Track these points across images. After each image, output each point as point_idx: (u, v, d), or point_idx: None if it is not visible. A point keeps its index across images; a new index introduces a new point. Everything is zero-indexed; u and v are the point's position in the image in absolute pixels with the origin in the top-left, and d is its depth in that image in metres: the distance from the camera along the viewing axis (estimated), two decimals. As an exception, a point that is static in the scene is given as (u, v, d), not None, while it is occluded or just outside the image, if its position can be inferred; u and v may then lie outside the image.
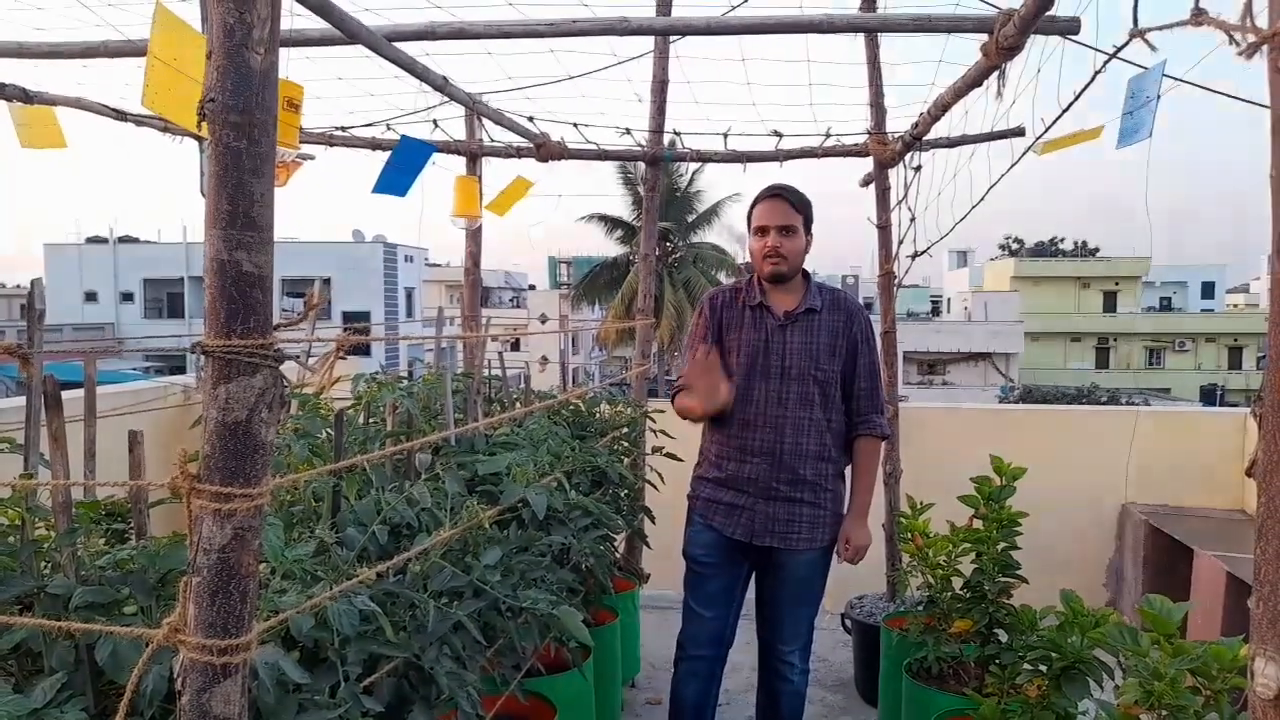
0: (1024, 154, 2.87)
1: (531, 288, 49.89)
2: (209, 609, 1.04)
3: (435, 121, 3.79)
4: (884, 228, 3.88)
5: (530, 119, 3.87)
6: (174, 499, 1.81)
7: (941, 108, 3.07)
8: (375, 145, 3.96)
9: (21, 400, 1.78)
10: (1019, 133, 3.24)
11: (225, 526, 1.05)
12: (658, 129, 4.07)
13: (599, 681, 3.06)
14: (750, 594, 2.87)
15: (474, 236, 4.21)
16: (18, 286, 38.77)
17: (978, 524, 2.89)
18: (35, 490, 1.38)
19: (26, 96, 2.72)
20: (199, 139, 2.93)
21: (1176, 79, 2.21)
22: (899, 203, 3.77)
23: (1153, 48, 1.90)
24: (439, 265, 44.85)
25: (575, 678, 2.77)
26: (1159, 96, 2.02)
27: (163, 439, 4.07)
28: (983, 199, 2.95)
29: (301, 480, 1.79)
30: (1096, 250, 55.79)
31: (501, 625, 1.97)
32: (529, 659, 2.31)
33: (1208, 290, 49.95)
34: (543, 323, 4.26)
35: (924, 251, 3.63)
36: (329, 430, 2.26)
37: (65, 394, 1.40)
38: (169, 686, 1.18)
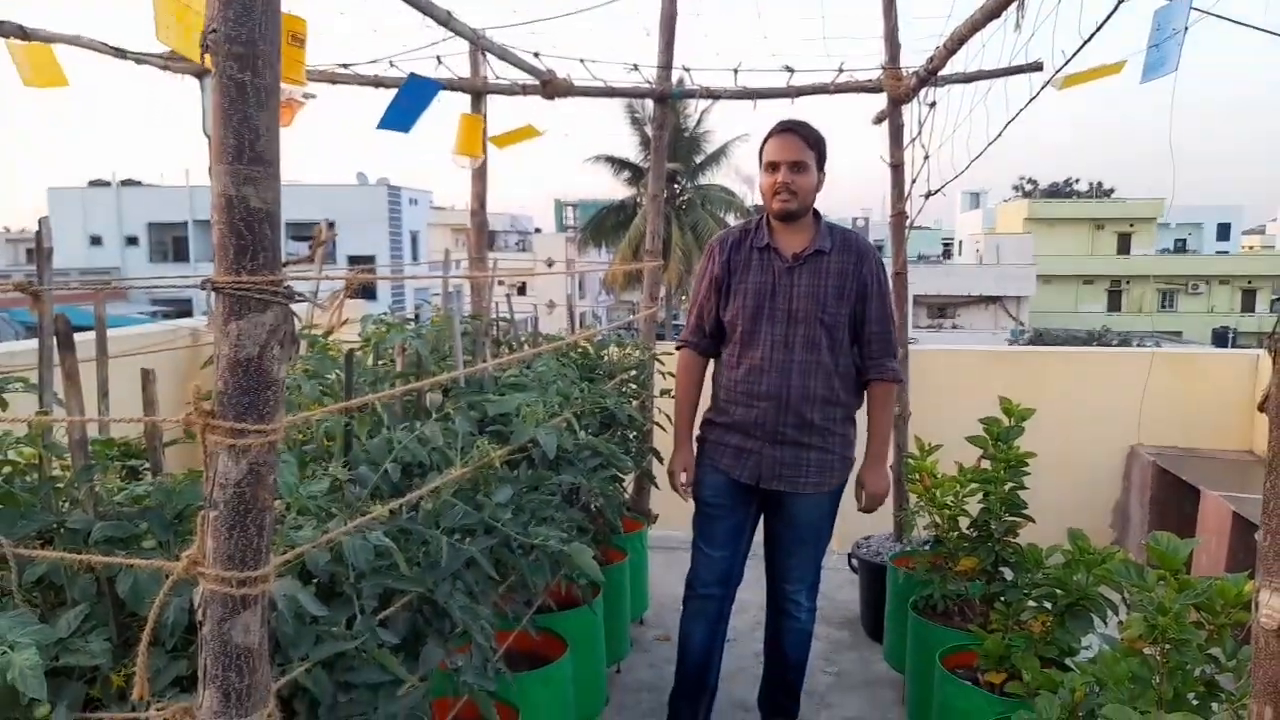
0: (1042, 89, 2.81)
1: (537, 231, 49.58)
2: (227, 542, 1.06)
3: (439, 58, 3.72)
4: (897, 167, 3.83)
5: (536, 55, 3.81)
6: (188, 439, 1.83)
7: (958, 41, 3.01)
8: (378, 83, 3.90)
9: (33, 343, 1.78)
10: (1037, 67, 3.17)
11: (240, 462, 1.06)
12: (666, 65, 4.00)
13: (608, 618, 3.12)
14: (759, 534, 2.90)
15: (480, 177, 4.16)
16: (22, 231, 38.71)
17: (985, 465, 2.90)
18: (51, 428, 1.39)
19: (24, 33, 2.68)
20: (201, 75, 2.90)
21: (1204, 11, 2.15)
22: (912, 141, 3.71)
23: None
24: (444, 209, 44.54)
25: (586, 614, 2.81)
26: (1186, 29, 1.96)
27: (173, 381, 4.10)
28: (1000, 135, 2.90)
29: (314, 418, 1.80)
30: (1112, 191, 55.03)
31: (513, 562, 1.99)
32: (540, 595, 2.34)
33: (1223, 232, 49.35)
34: (549, 266, 4.24)
35: (938, 191, 3.58)
36: (339, 371, 2.27)
37: (75, 336, 1.40)
38: (189, 618, 1.20)
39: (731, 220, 27.14)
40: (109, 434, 1.64)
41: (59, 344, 1.33)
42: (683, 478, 2.85)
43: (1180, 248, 47.39)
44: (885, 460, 2.78)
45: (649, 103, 4.38)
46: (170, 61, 3.12)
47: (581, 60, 3.87)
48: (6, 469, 1.42)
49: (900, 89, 3.70)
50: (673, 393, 3.55)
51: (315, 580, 1.42)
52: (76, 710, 1.19)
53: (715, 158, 29.00)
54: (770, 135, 2.67)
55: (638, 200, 27.75)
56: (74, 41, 2.82)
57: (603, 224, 29.52)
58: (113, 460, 1.54)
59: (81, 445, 1.35)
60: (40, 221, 1.34)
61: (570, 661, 2.55)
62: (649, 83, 4.04)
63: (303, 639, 1.33)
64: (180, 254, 36.08)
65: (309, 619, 1.35)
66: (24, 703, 1.14)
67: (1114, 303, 42.34)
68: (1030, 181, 59.87)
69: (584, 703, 2.80)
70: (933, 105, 3.62)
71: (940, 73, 3.44)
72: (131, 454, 1.76)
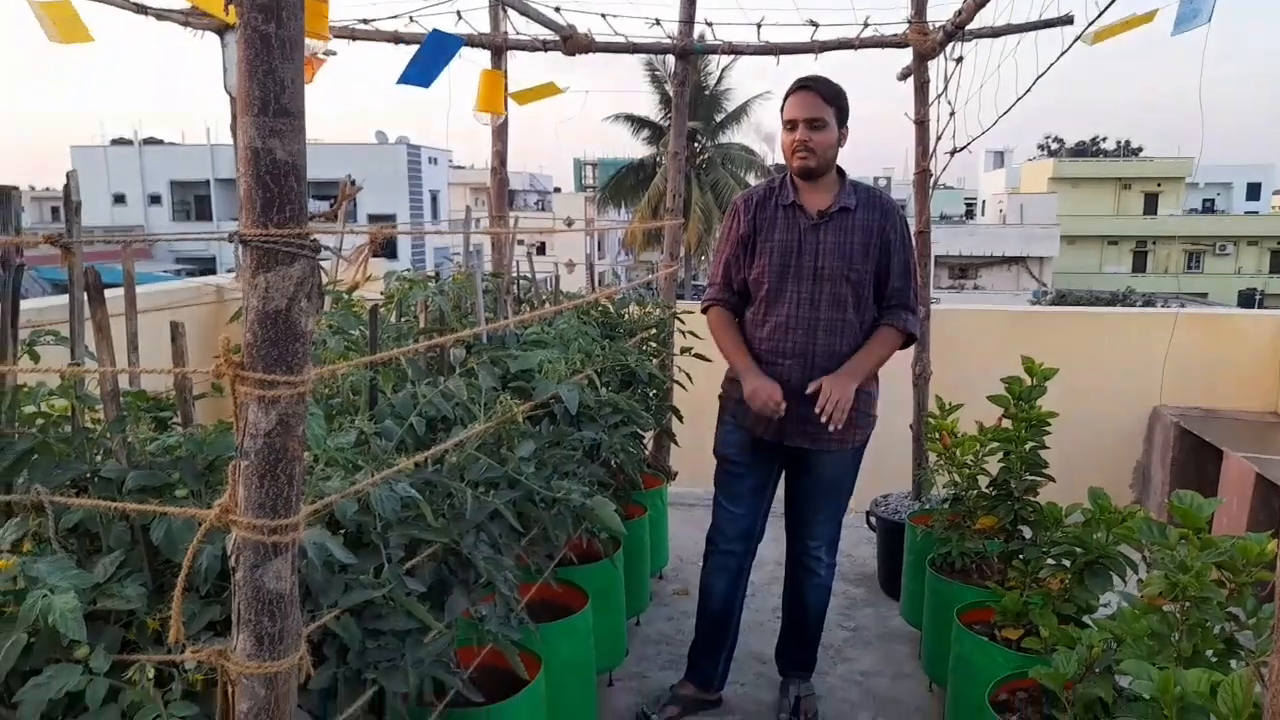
0: (1074, 42, 2.75)
1: (557, 190, 49.37)
2: (258, 490, 1.08)
3: (459, 13, 3.69)
4: (921, 123, 3.77)
5: (557, 9, 3.76)
6: (215, 393, 1.86)
7: (987, -7, 2.94)
8: (398, 39, 3.87)
9: (62, 299, 1.81)
10: (1068, 21, 3.10)
11: (270, 412, 1.07)
12: (688, 20, 3.94)
13: (629, 572, 3.16)
14: (780, 491, 2.92)
15: (500, 135, 4.14)
16: (46, 189, 38.95)
17: (1006, 424, 2.89)
18: (83, 380, 1.42)
19: (47, -12, 2.68)
20: (222, 32, 2.89)
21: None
22: (938, 97, 3.65)
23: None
24: (463, 168, 44.38)
25: (607, 567, 2.85)
26: (1222, -24, 1.91)
27: (199, 336, 4.14)
28: (1029, 90, 2.85)
29: (340, 372, 1.82)
30: (1140, 150, 53.99)
31: (535, 515, 2.02)
32: (562, 549, 2.38)
33: (1253, 191, 48.31)
34: (569, 225, 4.23)
35: (964, 148, 3.53)
36: (363, 328, 2.29)
37: (105, 292, 1.42)
38: (222, 565, 1.23)
39: (752, 180, 26.90)
40: (139, 386, 1.67)
41: (89, 297, 1.35)
42: (777, 395, 2.59)
43: (1208, 208, 46.51)
44: (854, 379, 2.59)
45: (670, 60, 4.32)
46: (191, 17, 3.11)
47: (603, 15, 3.83)
48: (41, 420, 1.45)
49: (926, 44, 3.63)
50: (698, 353, 3.55)
51: (343, 530, 1.44)
52: (114, 652, 1.23)
53: (736, 116, 28.66)
54: (789, 93, 2.64)
55: (657, 159, 27.52)
56: (95, -3, 2.81)
57: (622, 183, 29.33)
58: (143, 413, 1.57)
59: (114, 396, 1.38)
60: (68, 175, 1.35)
61: (591, 613, 2.59)
62: (670, 38, 3.99)
63: (332, 587, 1.36)
64: (203, 212, 36.25)
65: (338, 567, 1.37)
66: (64, 644, 1.18)
67: (1139, 264, 41.74)
68: (1056, 140, 58.87)
69: (605, 654, 2.85)
70: (959, 60, 3.56)
71: (968, 27, 3.38)
72: (161, 408, 1.79)
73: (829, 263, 2.62)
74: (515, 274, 3.42)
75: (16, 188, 1.27)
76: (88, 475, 1.35)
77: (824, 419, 2.51)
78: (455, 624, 1.64)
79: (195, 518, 1.16)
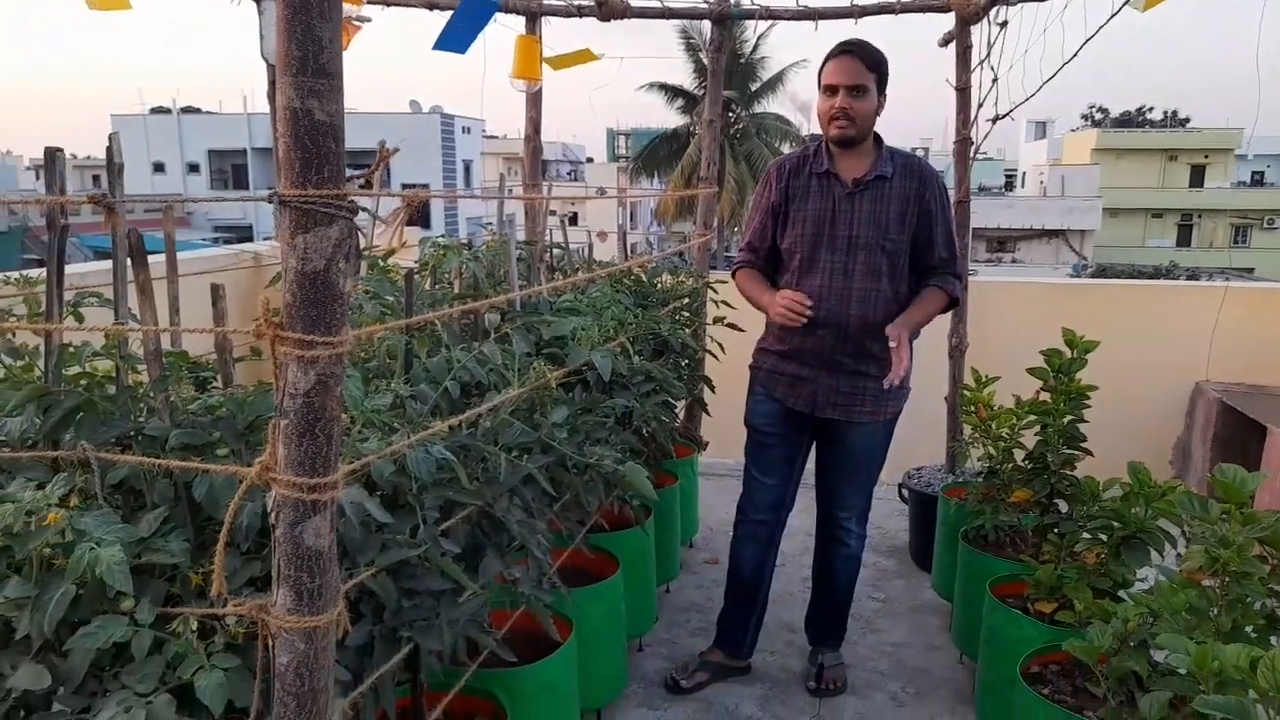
0: (1123, 5, 2.67)
1: (589, 160, 49.18)
2: (297, 449, 1.09)
3: (495, -22, 3.66)
4: (963, 90, 3.69)
5: (592, -26, 3.72)
6: (254, 356, 1.88)
7: (1033, -45, 2.86)
8: (432, 5, 3.85)
9: (104, 264, 1.84)
10: (1117, -17, 3.00)
11: (309, 372, 1.08)
12: (726, -16, 3.88)
13: (659, 540, 3.18)
14: (811, 462, 2.91)
15: (534, 103, 4.12)
16: (88, 157, 39.55)
17: (1045, 398, 2.85)
18: (127, 340, 1.44)
19: (88, -45, 2.70)
20: (259, -3, 2.89)
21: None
22: (980, 63, 3.57)
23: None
24: (496, 138, 44.32)
25: (638, 534, 2.87)
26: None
27: (238, 302, 4.20)
28: (1075, 55, 2.77)
29: (376, 335, 1.84)
30: (1187, 121, 52.52)
31: (568, 481, 2.03)
32: (593, 515, 2.39)
33: (1307, 164, 46.89)
34: (601, 195, 4.21)
35: (1006, 114, 3.45)
36: (398, 294, 2.31)
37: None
38: (262, 522, 1.25)
39: (787, 150, 26.58)
40: (181, 347, 1.70)
41: (132, 258, 1.37)
42: (799, 296, 2.54)
43: (1258, 180, 45.22)
44: (910, 327, 2.53)
45: (705, 27, 4.26)
46: (228, -18, 3.11)
47: (639, -22, 3.78)
48: (86, 380, 1.48)
49: (970, 8, 3.54)
50: (730, 322, 3.54)
51: (380, 491, 1.46)
52: (159, 605, 1.26)
53: (771, 85, 28.28)
54: (829, 57, 2.58)
55: (691, 129, 27.29)
56: (134, -39, 2.83)
57: (655, 153, 29.13)
58: (185, 374, 1.60)
59: (156, 356, 1.40)
60: (110, 138, 1.37)
61: (622, 579, 2.61)
62: (707, 3, 3.93)
63: (369, 545, 1.38)
64: (240, 181, 36.61)
65: (375, 527, 1.39)
66: (111, 595, 1.21)
67: (1184, 238, 40.75)
68: (1101, 110, 57.45)
69: (635, 619, 2.88)
70: (1004, 25, 3.47)
71: (1013, -11, 3.29)
72: (201, 370, 1.82)
73: (864, 232, 2.59)
74: (549, 243, 3.42)
75: (61, 150, 1.29)
76: (132, 433, 1.38)
77: (891, 379, 2.46)
78: (489, 585, 1.66)
79: (236, 475, 1.18)
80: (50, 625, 1.17)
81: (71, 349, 1.44)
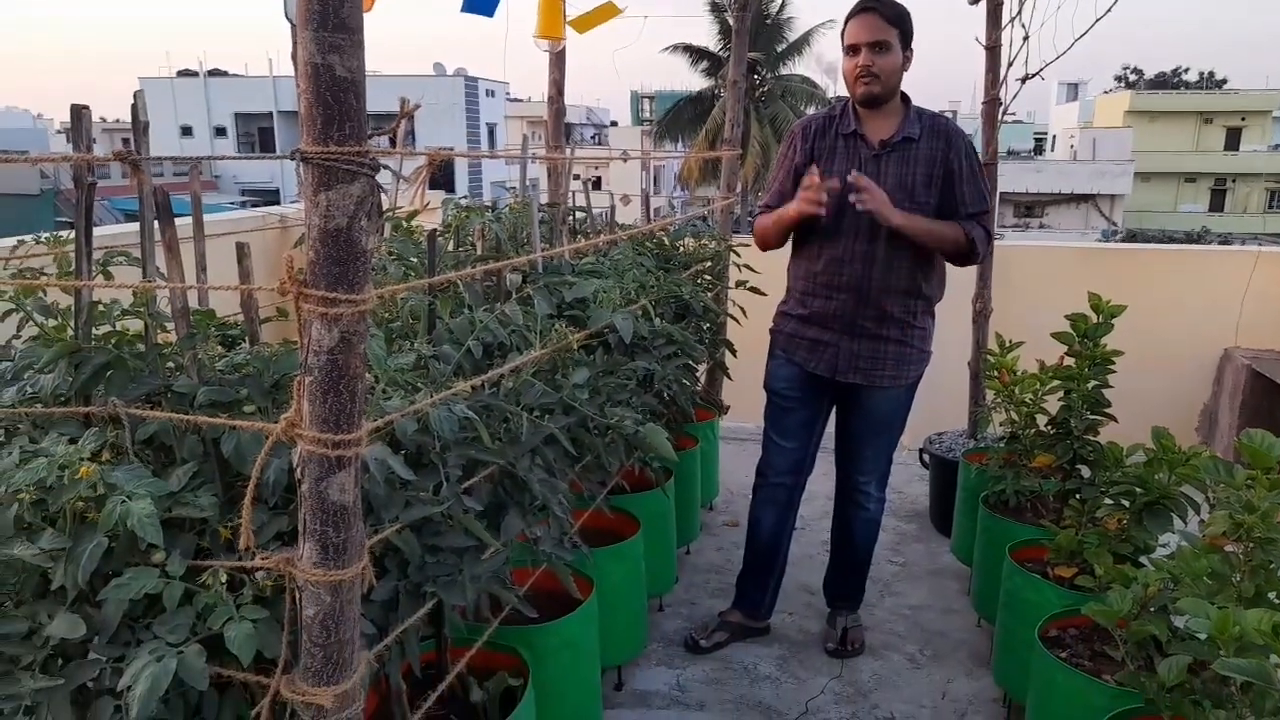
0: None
1: (613, 124, 48.81)
2: (322, 405, 1.11)
3: (518, -64, 3.61)
4: (993, 49, 3.62)
5: (616, -69, 3.66)
6: (281, 316, 1.90)
7: (1068, -92, 2.78)
8: (456, -36, 3.81)
9: (132, 226, 1.85)
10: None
11: (333, 330, 1.10)
12: (751, -59, 3.81)
13: (679, 502, 3.20)
14: (830, 425, 2.91)
15: (558, 63, 4.08)
16: (117, 121, 39.72)
17: (1069, 362, 2.83)
18: (155, 298, 1.46)
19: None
20: (281, -45, 2.87)
21: None
22: (1011, 20, 3.49)
23: None
24: (520, 100, 44.06)
25: (658, 496, 2.89)
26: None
27: (264, 264, 4.23)
28: (1110, 9, 2.70)
29: (399, 295, 1.85)
30: (1224, 82, 51.19)
31: (589, 442, 2.04)
32: (614, 476, 2.41)
33: (1348, 127, 45.58)
34: (625, 160, 4.18)
35: (1036, 73, 3.38)
36: (421, 255, 2.31)
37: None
38: (289, 478, 1.27)
39: (812, 113, 26.22)
40: (208, 306, 1.72)
41: (159, 216, 1.38)
42: (814, 179, 2.49)
43: (1297, 143, 44.10)
44: (899, 217, 2.48)
45: (731, -17, 4.19)
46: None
47: (662, -64, 3.71)
48: (116, 337, 1.50)
49: (1001, -37, 3.46)
50: (753, 286, 3.52)
51: (404, 450, 1.48)
52: (189, 558, 1.29)
53: (797, 46, 27.87)
54: (850, 15, 2.54)
55: (716, 91, 26.97)
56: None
57: (679, 116, 28.87)
58: (212, 332, 1.62)
59: (184, 314, 1.42)
60: (135, 95, 1.37)
61: (642, 540, 2.64)
62: (732, -40, 3.86)
63: (393, 502, 1.40)
64: (266, 144, 36.72)
65: (399, 484, 1.41)
66: (142, 548, 1.24)
67: (1217, 203, 39.93)
68: (1135, 72, 56.10)
69: (655, 580, 2.91)
70: (1036, -20, 3.39)
71: (1047, -56, 3.21)
72: (228, 328, 1.84)
73: (890, 195, 2.55)
74: (572, 206, 3.41)
75: (87, 107, 1.29)
76: (161, 390, 1.40)
77: (852, 196, 2.45)
78: (511, 543, 1.69)
79: (263, 431, 1.19)
80: (84, 576, 1.20)
81: (101, 307, 1.46)
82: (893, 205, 2.51)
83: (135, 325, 1.52)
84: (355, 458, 1.15)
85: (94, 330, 1.45)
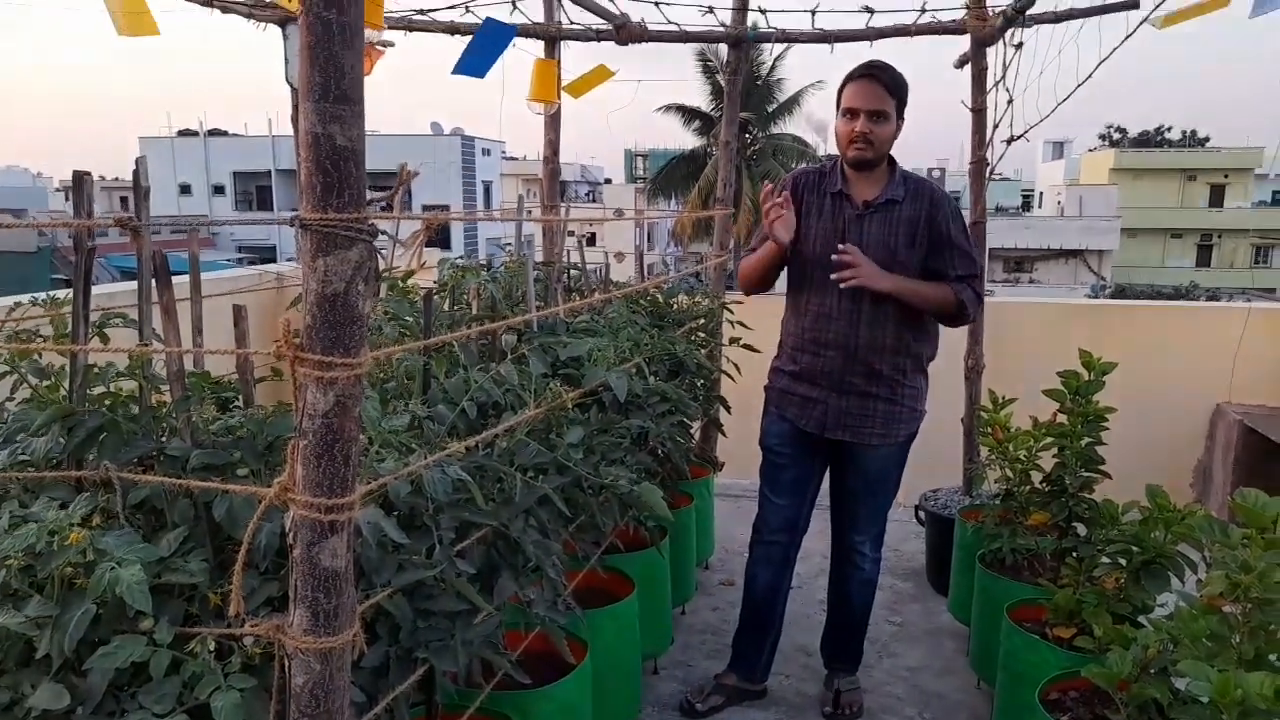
0: (1139, 25, 2.67)
1: (607, 182, 49.47)
2: (315, 469, 1.10)
3: (514, 3, 3.71)
4: (979, 111, 3.70)
5: (610, -1, 3.76)
6: (275, 376, 1.91)
7: (1049, -22, 2.87)
8: (454, 30, 3.91)
9: (130, 285, 1.86)
10: (1134, 4, 3.01)
11: (328, 393, 1.10)
12: (742, 7, 3.92)
13: (675, 561, 3.17)
14: (826, 483, 2.90)
15: (553, 124, 4.16)
16: (116, 179, 40.16)
17: (1062, 419, 2.83)
18: (151, 361, 1.46)
19: (116, -18, 2.75)
20: (284, 24, 2.95)
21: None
22: (996, 84, 3.58)
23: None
24: (516, 159, 44.71)
25: (653, 555, 2.87)
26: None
27: (260, 322, 4.24)
28: (1090, 76, 2.78)
29: (394, 356, 1.86)
30: (1206, 141, 52.22)
31: (583, 502, 2.03)
32: (609, 535, 2.39)
33: (1329, 184, 46.41)
34: (619, 216, 4.23)
35: (1021, 135, 3.45)
36: (417, 314, 2.33)
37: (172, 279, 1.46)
38: (280, 542, 1.26)
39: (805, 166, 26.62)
40: (204, 368, 1.72)
41: (157, 279, 1.39)
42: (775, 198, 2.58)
43: (1279, 200, 44.85)
44: (889, 279, 2.52)
45: (722, 49, 4.30)
46: (255, 10, 3.18)
47: (656, 3, 3.82)
48: (109, 400, 1.50)
49: (985, 30, 3.55)
50: (746, 343, 3.54)
51: (397, 511, 1.47)
52: (177, 624, 1.27)
53: (788, 106, 28.42)
54: (850, 79, 2.59)
55: (708, 150, 27.41)
56: (163, -11, 2.88)
57: (672, 174, 29.29)
58: (207, 394, 1.62)
59: (179, 377, 1.42)
60: (137, 162, 1.40)
61: (637, 600, 2.61)
62: (724, 26, 3.97)
63: (385, 566, 1.39)
64: (264, 202, 37.12)
65: (391, 547, 1.40)
66: (130, 615, 1.23)
67: (1203, 258, 40.44)
68: (1119, 130, 57.22)
69: (650, 641, 2.87)
70: (1019, 46, 3.48)
71: (1029, 11, 3.30)
72: (223, 390, 1.84)
73: (873, 254, 2.58)
74: (566, 263, 3.44)
75: (89, 174, 1.31)
76: (154, 453, 1.40)
77: (835, 275, 2.49)
78: (504, 606, 1.67)
79: (255, 495, 1.19)
80: (70, 645, 1.18)
81: (96, 369, 1.47)
82: (879, 267, 2.54)
83: (131, 385, 1.52)
84: (348, 522, 1.15)
85: (89, 391, 1.45)
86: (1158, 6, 2.56)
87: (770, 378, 2.87)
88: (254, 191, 38.06)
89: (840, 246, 2.51)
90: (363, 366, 1.12)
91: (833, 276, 2.51)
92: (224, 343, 1.50)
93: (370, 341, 1.29)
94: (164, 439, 1.44)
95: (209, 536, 1.36)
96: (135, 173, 1.35)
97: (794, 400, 2.75)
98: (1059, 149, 46.00)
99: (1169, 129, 57.01)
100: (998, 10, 3.48)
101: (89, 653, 1.21)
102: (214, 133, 39.86)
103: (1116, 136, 55.95)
